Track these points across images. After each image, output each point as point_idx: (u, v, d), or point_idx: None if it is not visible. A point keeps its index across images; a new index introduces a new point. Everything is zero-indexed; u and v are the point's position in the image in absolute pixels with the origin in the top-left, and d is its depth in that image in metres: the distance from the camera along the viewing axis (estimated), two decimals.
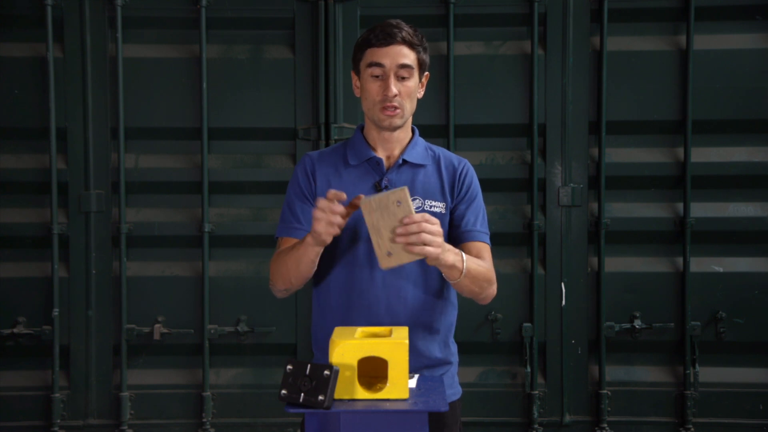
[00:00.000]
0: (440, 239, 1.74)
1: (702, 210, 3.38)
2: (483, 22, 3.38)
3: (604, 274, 3.39)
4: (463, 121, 3.38)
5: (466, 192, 2.05)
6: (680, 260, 3.39)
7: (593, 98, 3.39)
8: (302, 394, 1.62)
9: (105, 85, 3.38)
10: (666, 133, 3.40)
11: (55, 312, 3.36)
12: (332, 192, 1.75)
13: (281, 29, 3.41)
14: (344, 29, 3.37)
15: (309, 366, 1.63)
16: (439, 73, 3.36)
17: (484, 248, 2.03)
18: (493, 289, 2.02)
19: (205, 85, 3.36)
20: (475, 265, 1.91)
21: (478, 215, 2.05)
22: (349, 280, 2.00)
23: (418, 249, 1.70)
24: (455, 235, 2.02)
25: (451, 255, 1.81)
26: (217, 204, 3.43)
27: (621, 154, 3.40)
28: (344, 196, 1.76)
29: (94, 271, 3.40)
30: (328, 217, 1.74)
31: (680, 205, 3.39)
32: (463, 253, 1.87)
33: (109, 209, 3.41)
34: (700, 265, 3.39)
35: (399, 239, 1.69)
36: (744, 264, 3.39)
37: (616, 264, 3.40)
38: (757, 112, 3.35)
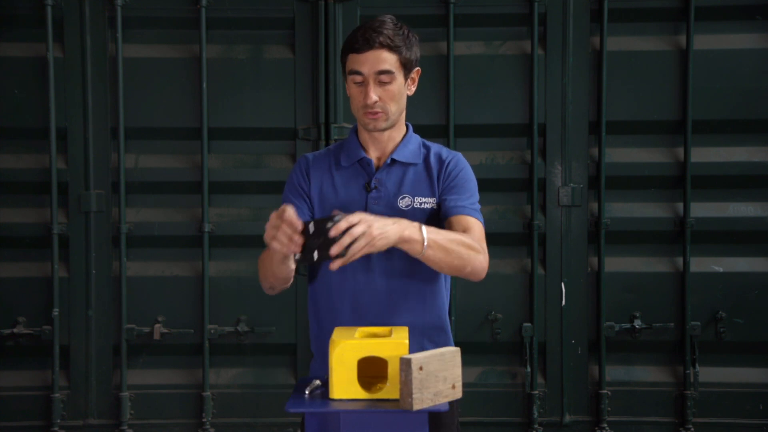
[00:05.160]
0: (363, 229, 1.65)
1: (702, 210, 3.38)
2: (483, 22, 3.38)
3: (604, 274, 3.39)
4: (463, 121, 3.38)
5: (452, 180, 2.00)
6: (680, 260, 3.39)
7: (593, 98, 3.39)
8: (315, 252, 1.65)
9: (105, 85, 3.38)
10: (666, 133, 3.40)
11: (55, 312, 3.36)
12: (289, 211, 1.68)
13: (281, 29, 3.41)
14: (344, 29, 3.37)
15: (311, 224, 1.66)
16: (439, 73, 3.36)
17: (471, 222, 1.94)
18: (481, 261, 1.89)
19: (205, 85, 3.36)
20: (443, 236, 1.81)
21: (462, 195, 1.98)
22: (348, 286, 1.99)
23: (360, 253, 1.66)
24: (442, 218, 1.98)
25: (400, 228, 1.73)
26: (217, 204, 3.43)
27: (621, 154, 3.40)
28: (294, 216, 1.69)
29: (94, 271, 3.40)
30: (282, 232, 1.69)
31: (680, 205, 3.39)
32: (423, 225, 1.79)
33: (109, 209, 3.41)
34: (700, 265, 3.39)
35: (338, 254, 1.65)
36: (744, 264, 3.39)
37: (616, 264, 3.41)
38: (757, 112, 3.35)
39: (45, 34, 3.33)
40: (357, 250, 1.65)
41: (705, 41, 3.35)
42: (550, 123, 3.39)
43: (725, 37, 3.36)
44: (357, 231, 1.65)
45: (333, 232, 1.63)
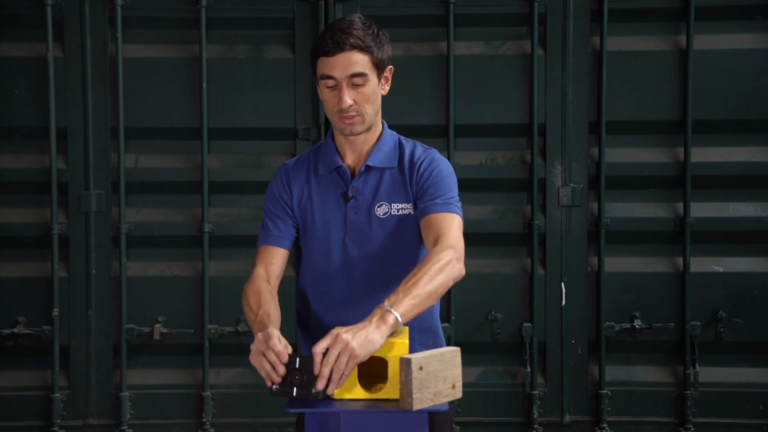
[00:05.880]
0: (339, 349, 1.59)
1: (702, 210, 3.38)
2: (483, 22, 3.38)
3: (604, 274, 3.39)
4: (463, 121, 3.38)
5: (425, 181, 1.94)
6: (680, 260, 3.39)
7: (593, 98, 3.39)
8: (294, 388, 1.61)
9: (105, 85, 3.38)
10: (666, 133, 3.40)
11: (55, 312, 3.36)
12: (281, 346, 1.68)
13: (281, 29, 3.41)
14: None
15: (298, 359, 1.63)
16: (439, 73, 3.36)
17: (445, 219, 1.86)
18: (457, 269, 1.79)
19: (205, 85, 3.36)
20: (416, 287, 1.70)
21: (436, 193, 1.92)
22: (326, 293, 2.02)
23: (347, 371, 1.59)
24: (420, 220, 1.93)
25: (378, 327, 1.63)
26: (217, 204, 3.43)
27: (621, 154, 3.40)
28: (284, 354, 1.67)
29: (94, 271, 3.40)
30: (266, 361, 1.69)
31: (680, 205, 3.39)
32: (390, 303, 1.67)
33: (109, 209, 3.41)
34: (700, 265, 3.39)
35: (332, 381, 1.60)
36: (744, 264, 3.39)
37: (616, 264, 3.41)
38: (757, 112, 3.35)
39: (45, 34, 3.33)
40: (342, 369, 1.59)
41: (705, 41, 3.35)
42: (550, 123, 3.39)
43: (725, 37, 3.36)
44: (332, 356, 1.59)
45: (315, 369, 1.59)
